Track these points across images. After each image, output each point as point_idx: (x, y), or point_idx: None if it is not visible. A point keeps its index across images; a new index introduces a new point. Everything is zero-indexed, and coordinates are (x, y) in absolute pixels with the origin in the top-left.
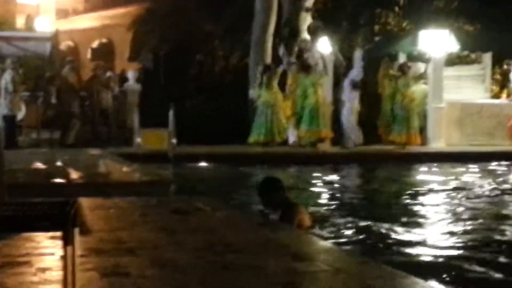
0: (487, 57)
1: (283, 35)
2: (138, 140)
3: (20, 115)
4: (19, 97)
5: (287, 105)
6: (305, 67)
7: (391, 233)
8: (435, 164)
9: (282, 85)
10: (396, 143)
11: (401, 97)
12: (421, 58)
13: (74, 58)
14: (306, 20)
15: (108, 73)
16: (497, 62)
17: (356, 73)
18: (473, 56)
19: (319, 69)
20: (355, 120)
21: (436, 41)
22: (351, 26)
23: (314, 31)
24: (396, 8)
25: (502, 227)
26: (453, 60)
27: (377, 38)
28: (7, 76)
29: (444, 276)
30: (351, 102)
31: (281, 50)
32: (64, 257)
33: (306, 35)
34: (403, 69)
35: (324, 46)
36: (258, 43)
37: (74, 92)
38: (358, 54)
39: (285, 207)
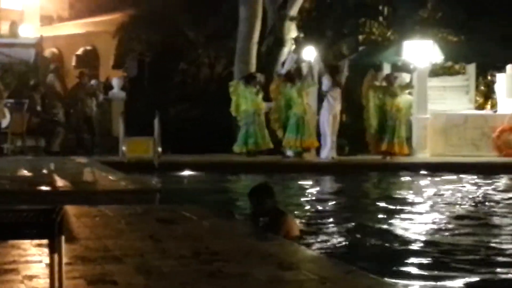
0: (472, 68)
1: (268, 43)
2: (123, 148)
3: (5, 122)
4: (2, 104)
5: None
6: (291, 77)
7: (379, 242)
8: (419, 174)
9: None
10: (386, 153)
11: (388, 107)
12: (405, 68)
13: (58, 65)
14: (291, 29)
15: (93, 81)
16: (481, 73)
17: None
18: (457, 67)
19: (307, 78)
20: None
21: (420, 51)
22: (335, 35)
23: (299, 42)
24: (381, 18)
25: (486, 234)
26: (437, 71)
27: (361, 48)
28: None
29: (432, 283)
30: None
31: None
32: (50, 265)
33: (290, 45)
34: (390, 79)
35: (310, 55)
36: (242, 52)
37: (59, 99)
38: (345, 63)
39: (272, 214)
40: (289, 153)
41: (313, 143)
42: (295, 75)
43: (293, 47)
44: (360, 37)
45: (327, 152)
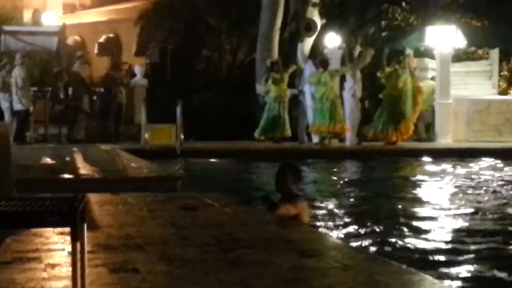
0: (495, 53)
1: (290, 30)
2: (146, 135)
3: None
4: (29, 92)
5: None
6: (324, 63)
7: (398, 230)
8: (442, 160)
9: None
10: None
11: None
12: (428, 53)
13: (84, 52)
14: (313, 15)
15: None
16: (504, 58)
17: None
18: (480, 52)
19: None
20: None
21: (443, 37)
22: (358, 21)
23: (311, 27)
24: (403, 3)
25: (507, 222)
26: (460, 56)
27: (384, 34)
28: (17, 71)
29: (453, 272)
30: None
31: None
32: (72, 253)
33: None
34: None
35: (332, 41)
36: (265, 38)
37: (86, 86)
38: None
39: (288, 195)
40: (316, 139)
41: (344, 129)
42: (323, 61)
43: (305, 32)
44: (383, 23)
45: (354, 138)
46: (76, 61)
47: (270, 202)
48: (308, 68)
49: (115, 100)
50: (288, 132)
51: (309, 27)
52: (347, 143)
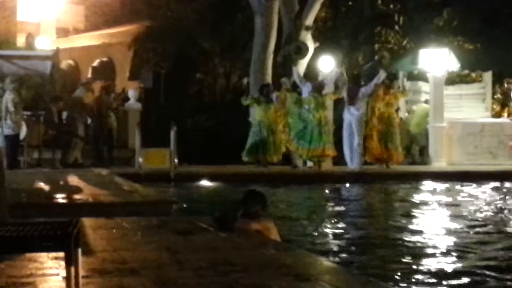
0: (488, 76)
1: (283, 53)
2: (140, 159)
3: (22, 134)
4: (20, 116)
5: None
6: (319, 87)
7: (395, 253)
8: (436, 183)
9: None
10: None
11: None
12: (421, 76)
13: (90, 79)
14: (306, 38)
15: (113, 94)
16: (497, 80)
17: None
18: (473, 75)
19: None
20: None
21: (436, 59)
22: (351, 44)
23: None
24: (396, 27)
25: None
26: (453, 79)
27: (377, 57)
28: (8, 95)
29: None
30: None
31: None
32: (67, 278)
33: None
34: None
35: (328, 65)
36: (258, 62)
37: (86, 112)
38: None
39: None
40: (299, 163)
41: (333, 152)
42: (321, 84)
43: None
44: (376, 46)
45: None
46: (80, 87)
47: (224, 217)
48: (306, 90)
49: (105, 124)
50: (275, 157)
51: (300, 49)
52: (349, 166)
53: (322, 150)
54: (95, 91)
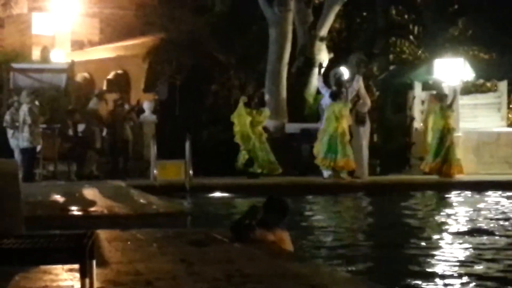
0: (503, 85)
1: (298, 64)
2: (155, 171)
3: (38, 147)
4: (38, 130)
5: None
6: (337, 95)
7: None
8: (451, 193)
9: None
10: (434, 172)
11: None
12: (436, 87)
13: (102, 90)
14: (321, 49)
15: (127, 106)
16: None
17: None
18: (488, 84)
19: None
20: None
21: (451, 69)
22: (366, 55)
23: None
24: (411, 37)
25: None
26: (468, 89)
27: (392, 67)
28: (25, 108)
29: None
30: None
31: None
32: None
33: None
34: (443, 99)
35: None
36: (273, 73)
37: (102, 124)
38: (357, 78)
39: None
40: (326, 173)
41: (348, 164)
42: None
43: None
44: (391, 57)
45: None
46: (94, 97)
47: (241, 226)
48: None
49: (121, 136)
50: (259, 170)
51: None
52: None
53: (346, 161)
54: (109, 102)
